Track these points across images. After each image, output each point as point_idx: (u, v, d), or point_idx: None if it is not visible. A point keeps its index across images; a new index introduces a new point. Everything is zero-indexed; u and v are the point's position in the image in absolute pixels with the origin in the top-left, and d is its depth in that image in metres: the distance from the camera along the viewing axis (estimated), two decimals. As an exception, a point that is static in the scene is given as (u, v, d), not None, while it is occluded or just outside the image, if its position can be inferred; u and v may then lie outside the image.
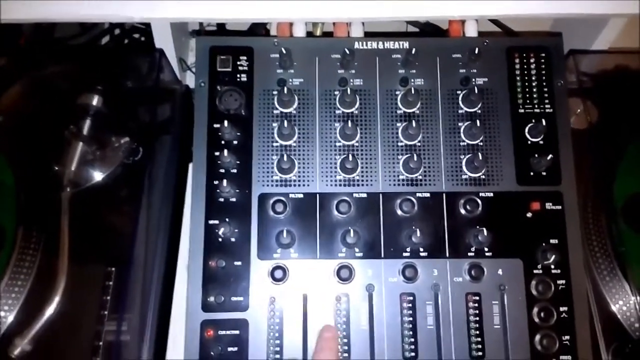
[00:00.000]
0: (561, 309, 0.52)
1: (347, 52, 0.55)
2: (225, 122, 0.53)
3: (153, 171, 0.62)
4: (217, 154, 0.54)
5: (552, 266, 0.53)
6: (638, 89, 0.69)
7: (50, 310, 0.53)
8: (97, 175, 0.60)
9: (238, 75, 0.56)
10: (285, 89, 0.54)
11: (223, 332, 0.50)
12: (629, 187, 0.66)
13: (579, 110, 0.69)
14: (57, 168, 0.59)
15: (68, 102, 0.62)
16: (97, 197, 0.59)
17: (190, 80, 0.75)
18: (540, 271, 0.53)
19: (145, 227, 0.58)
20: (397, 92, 0.56)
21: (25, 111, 0.63)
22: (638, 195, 0.66)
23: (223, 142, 0.54)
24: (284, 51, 0.54)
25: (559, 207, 0.54)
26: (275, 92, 0.56)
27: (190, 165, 0.63)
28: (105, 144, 0.61)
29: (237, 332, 0.50)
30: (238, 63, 0.56)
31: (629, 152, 0.66)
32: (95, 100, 0.62)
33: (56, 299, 0.53)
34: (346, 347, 0.51)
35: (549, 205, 0.54)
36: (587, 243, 0.61)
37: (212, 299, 0.51)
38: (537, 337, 0.51)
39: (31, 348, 0.52)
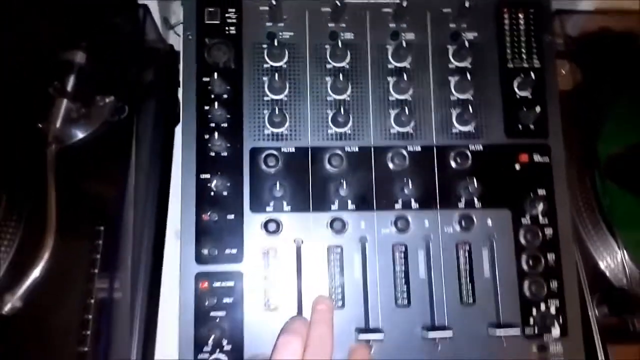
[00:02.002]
0: (549, 256, 0.54)
1: (338, 5, 0.54)
2: (215, 75, 0.52)
3: (140, 131, 0.61)
4: (206, 107, 0.53)
5: (540, 216, 0.54)
6: (621, 51, 0.70)
7: (39, 268, 0.52)
8: (83, 133, 0.58)
9: (226, 28, 0.55)
10: (275, 42, 0.54)
11: (218, 284, 0.50)
12: (613, 145, 0.67)
13: (564, 72, 0.71)
14: (41, 125, 0.58)
15: (51, 58, 0.60)
16: (83, 155, 0.58)
17: (173, 40, 0.74)
18: (528, 221, 0.54)
19: (133, 187, 0.57)
20: (388, 47, 0.56)
21: (6, 69, 0.61)
22: (621, 152, 0.68)
23: (212, 95, 0.54)
24: (274, 3, 0.53)
25: (547, 159, 0.55)
26: (265, 46, 0.55)
27: (177, 128, 0.62)
28: (90, 102, 0.60)
29: (231, 283, 0.50)
30: (226, 15, 0.55)
31: (612, 112, 0.68)
32: (79, 57, 0.60)
33: (45, 256, 0.52)
34: (340, 297, 0.51)
35: (536, 157, 0.56)
36: (572, 199, 0.63)
37: (205, 251, 0.51)
38: (526, 284, 0.53)
39: (22, 305, 0.51)
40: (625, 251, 0.60)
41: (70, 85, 0.59)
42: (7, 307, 0.50)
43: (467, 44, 0.56)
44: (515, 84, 0.57)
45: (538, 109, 0.54)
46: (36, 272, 0.52)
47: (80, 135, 0.58)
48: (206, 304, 0.50)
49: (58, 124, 0.58)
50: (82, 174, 0.58)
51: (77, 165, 0.58)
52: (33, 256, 0.53)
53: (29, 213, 0.55)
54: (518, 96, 0.57)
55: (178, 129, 0.61)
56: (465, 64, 0.56)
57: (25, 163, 0.57)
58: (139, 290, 0.54)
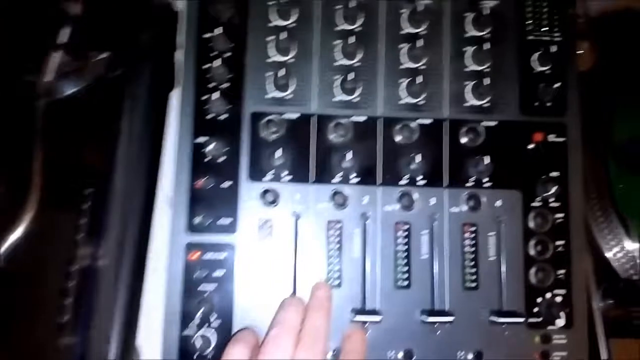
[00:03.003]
0: (558, 242, 0.51)
1: (352, -38, 0.50)
2: (217, 31, 0.49)
3: (133, 93, 0.57)
4: (207, 66, 0.50)
5: (552, 199, 0.51)
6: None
7: (21, 230, 0.49)
8: (74, 88, 0.55)
9: (232, -19, 0.51)
10: (283, -1, 0.50)
11: (209, 255, 0.48)
12: (629, 130, 0.64)
13: (582, 51, 0.67)
14: (31, 78, 0.54)
15: (47, 8, 0.56)
16: (74, 112, 0.55)
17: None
18: (539, 204, 0.51)
19: (125, 150, 0.54)
20: (403, 11, 0.52)
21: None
22: (637, 137, 0.65)
23: (214, 53, 0.50)
24: (283, -44, 0.50)
25: (563, 139, 0.52)
26: (272, 2, 0.51)
27: (172, 94, 0.59)
28: (84, 56, 0.56)
29: (223, 255, 0.48)
30: (232, -33, 0.51)
31: (631, 95, 0.65)
32: (75, 8, 0.56)
33: (28, 218, 0.50)
34: (337, 275, 0.49)
35: (552, 137, 0.52)
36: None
37: (198, 219, 0.48)
38: (532, 270, 0.50)
39: (2, 265, 0.48)
40: (638, 241, 0.57)
41: (64, 36, 0.55)
42: (-14, 267, 0.47)
43: (486, 12, 0.52)
44: (534, 58, 0.53)
45: (557, 84, 0.51)
46: (16, 234, 0.49)
47: (71, 89, 0.55)
48: (196, 276, 0.47)
49: (50, 77, 0.54)
50: (71, 132, 0.55)
51: (65, 122, 0.55)
52: (15, 217, 0.50)
53: (13, 171, 0.52)
54: (536, 70, 0.53)
55: (173, 95, 0.57)
56: (483, 33, 0.53)
57: (11, 117, 0.54)
58: (124, 258, 0.51)
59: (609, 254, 0.59)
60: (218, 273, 0.47)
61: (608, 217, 0.61)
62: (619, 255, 0.59)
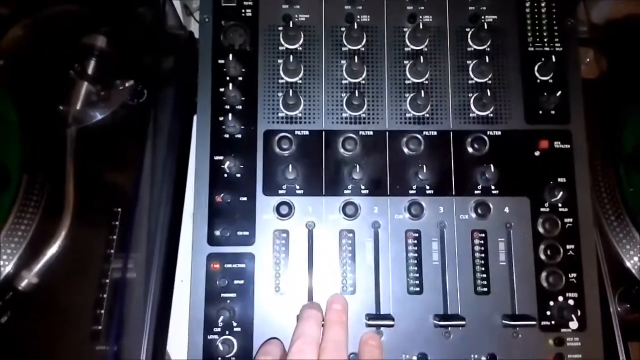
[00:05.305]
0: (568, 246, 0.52)
1: (354, -13, 0.53)
2: (230, 57, 0.52)
3: (158, 116, 0.61)
4: (221, 89, 0.53)
5: (560, 204, 0.53)
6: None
7: (56, 246, 0.53)
8: (102, 114, 0.59)
9: (243, 10, 0.55)
10: (291, 24, 0.53)
11: (229, 265, 0.50)
12: (638, 135, 0.65)
13: (588, 60, 0.68)
14: (61, 107, 0.59)
15: (72, 42, 0.61)
16: (102, 137, 0.59)
17: (194, 28, 0.74)
18: (548, 209, 0.53)
19: (150, 171, 0.58)
20: (405, 29, 0.55)
21: (28, 52, 0.62)
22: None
23: (228, 77, 0.54)
24: (290, -15, 0.53)
25: (568, 146, 0.54)
26: (280, 28, 0.55)
27: (196, 117, 0.63)
28: (110, 85, 0.61)
29: (243, 265, 0.50)
30: (243, -2, 0.55)
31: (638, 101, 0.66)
32: (99, 41, 0.61)
33: (62, 235, 0.53)
34: (351, 282, 0.51)
35: (557, 144, 0.54)
36: (595, 191, 0.61)
37: (218, 232, 0.51)
38: (543, 274, 0.51)
39: (38, 281, 0.52)
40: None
41: (91, 68, 0.60)
42: (24, 283, 0.51)
43: (486, 26, 0.54)
44: (535, 68, 0.55)
45: (559, 93, 0.53)
46: (52, 250, 0.53)
47: (99, 116, 0.59)
48: (217, 284, 0.50)
49: (78, 106, 0.59)
50: (100, 155, 0.59)
51: (95, 147, 0.59)
52: (50, 235, 0.54)
53: (48, 193, 0.56)
54: (539, 80, 0.55)
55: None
56: (484, 47, 0.55)
57: (46, 144, 0.58)
58: (153, 271, 0.54)
59: (625, 259, 0.60)
60: (238, 282, 0.50)
61: (622, 222, 0.61)
62: (636, 259, 0.59)
